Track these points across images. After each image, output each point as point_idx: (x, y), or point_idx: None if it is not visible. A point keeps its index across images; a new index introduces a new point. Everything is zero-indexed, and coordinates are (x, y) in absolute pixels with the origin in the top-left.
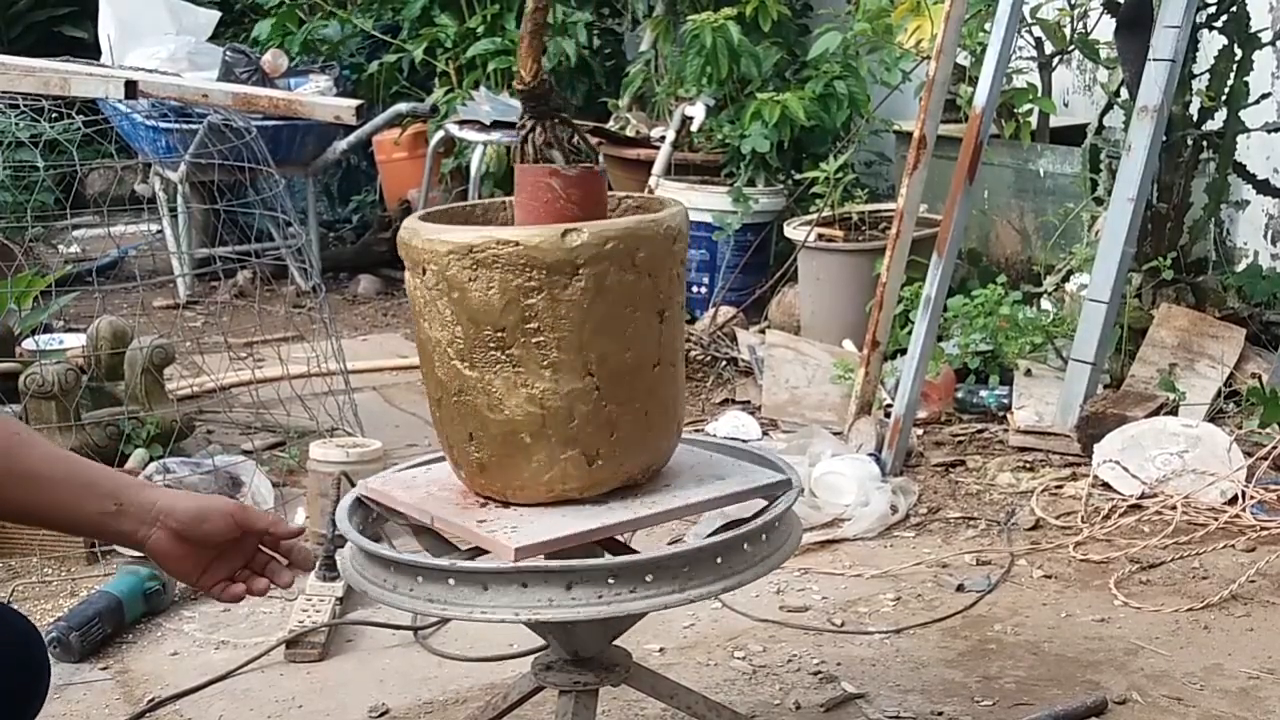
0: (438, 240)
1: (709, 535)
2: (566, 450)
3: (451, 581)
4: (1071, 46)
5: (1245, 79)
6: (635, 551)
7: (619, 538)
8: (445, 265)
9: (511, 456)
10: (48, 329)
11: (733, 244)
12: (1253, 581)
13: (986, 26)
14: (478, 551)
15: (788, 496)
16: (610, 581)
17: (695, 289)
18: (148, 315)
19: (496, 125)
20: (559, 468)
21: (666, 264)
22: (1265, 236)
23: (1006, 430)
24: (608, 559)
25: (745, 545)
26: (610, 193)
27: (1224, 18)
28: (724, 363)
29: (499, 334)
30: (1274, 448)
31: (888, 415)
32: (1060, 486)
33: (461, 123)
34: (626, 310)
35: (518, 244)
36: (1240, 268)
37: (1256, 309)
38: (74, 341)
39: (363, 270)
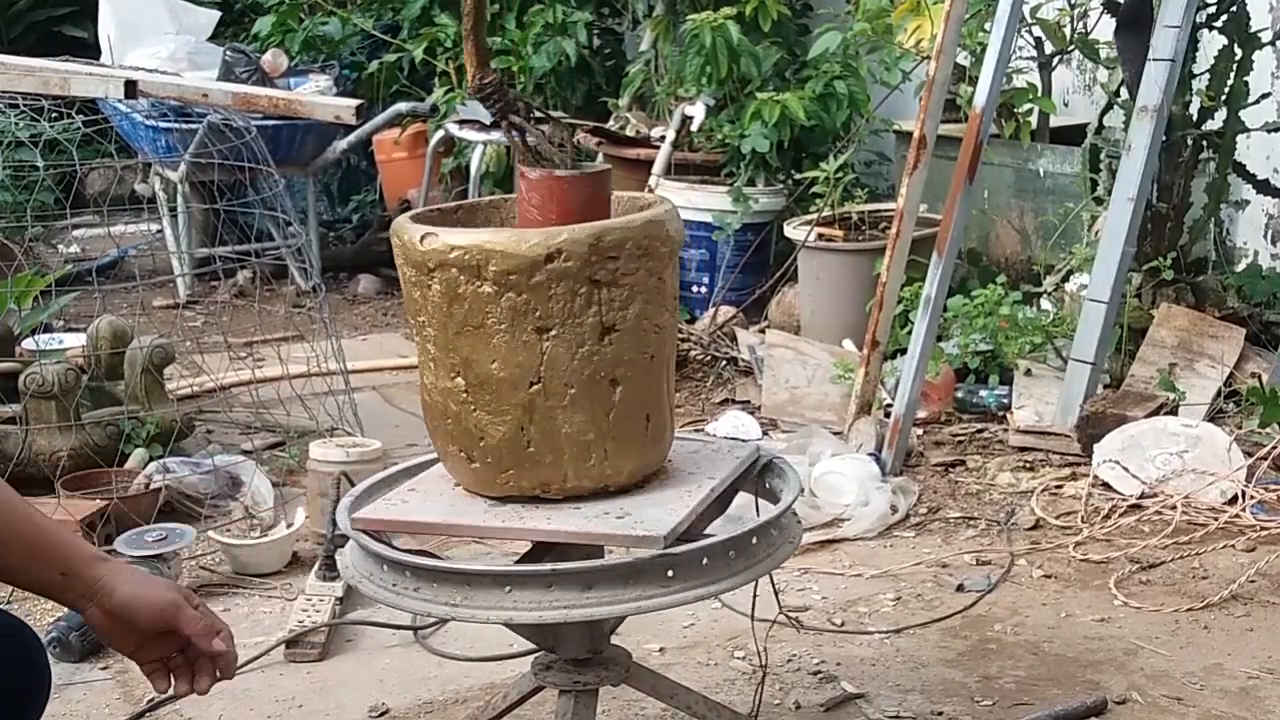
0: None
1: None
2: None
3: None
4: (1071, 46)
5: (1245, 79)
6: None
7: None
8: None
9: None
10: (48, 329)
11: (733, 244)
12: (1253, 581)
13: (986, 26)
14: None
15: (789, 494)
16: (629, 582)
17: (695, 289)
18: (148, 315)
19: (496, 125)
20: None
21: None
22: (1265, 236)
23: (1006, 430)
24: (627, 556)
25: (754, 540)
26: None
27: (1224, 18)
28: (724, 362)
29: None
30: (1274, 448)
31: (888, 415)
32: (1060, 486)
33: (461, 122)
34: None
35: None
36: (1240, 267)
37: (1256, 309)
38: (74, 341)
39: (363, 270)
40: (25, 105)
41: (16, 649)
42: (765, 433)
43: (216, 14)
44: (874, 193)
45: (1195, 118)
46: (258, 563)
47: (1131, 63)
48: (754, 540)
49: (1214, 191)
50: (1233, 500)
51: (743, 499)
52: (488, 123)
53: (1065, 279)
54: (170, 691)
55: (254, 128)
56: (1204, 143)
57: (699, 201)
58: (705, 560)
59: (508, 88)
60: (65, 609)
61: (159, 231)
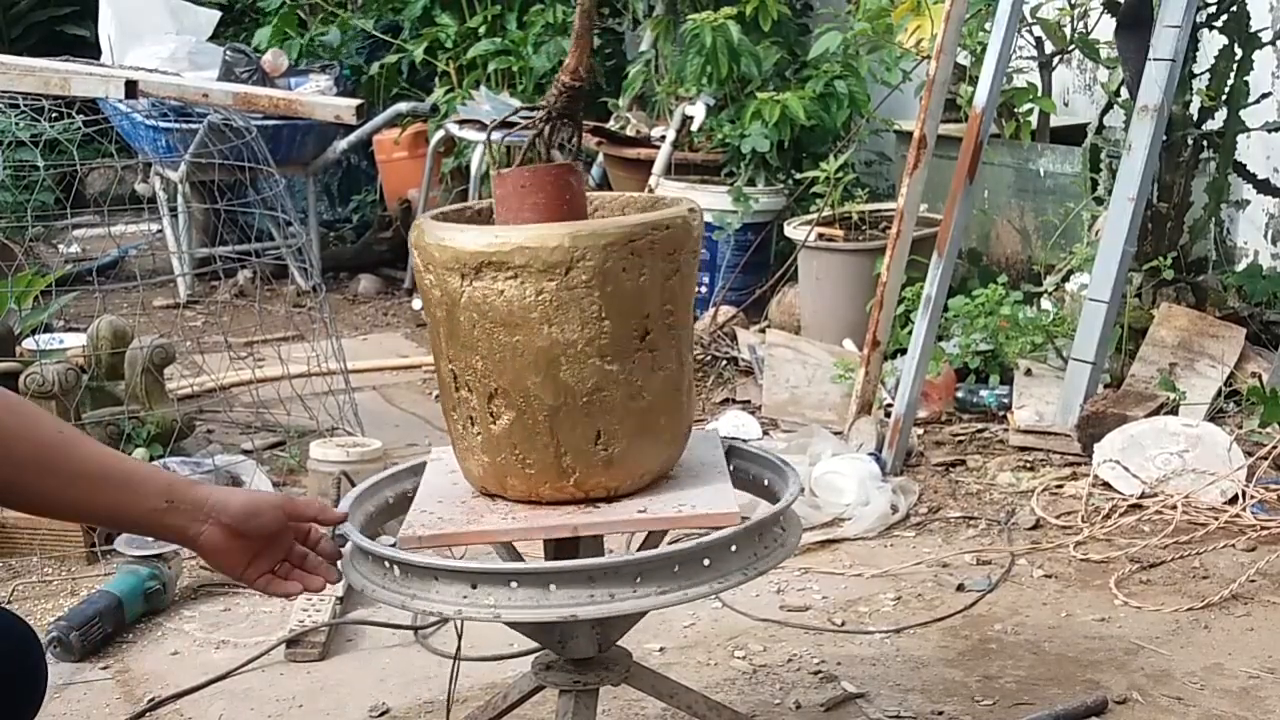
0: (590, 235)
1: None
2: (684, 425)
3: (515, 584)
4: (1071, 46)
5: (1245, 78)
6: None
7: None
8: (603, 259)
9: (643, 444)
10: (48, 328)
11: (733, 244)
12: (1253, 581)
13: (986, 26)
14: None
15: (790, 492)
16: (637, 579)
17: (696, 288)
18: (148, 315)
19: (506, 125)
20: (677, 445)
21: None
22: (1265, 236)
23: (1007, 430)
24: (645, 553)
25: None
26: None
27: (1224, 17)
28: (724, 362)
29: (644, 321)
30: (1274, 447)
31: (888, 415)
32: (1060, 486)
33: (462, 122)
34: (689, 286)
35: (668, 227)
36: (1240, 267)
37: (1257, 308)
38: (74, 341)
39: (363, 270)
40: (26, 105)
41: (12, 646)
42: (765, 432)
43: (216, 14)
44: (874, 193)
45: (1195, 117)
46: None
47: (1132, 62)
48: (758, 537)
49: (1214, 191)
50: (1233, 500)
51: (745, 498)
52: (488, 123)
53: (1065, 279)
54: (294, 593)
55: (254, 128)
56: (1204, 142)
57: (699, 201)
58: (707, 560)
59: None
60: (64, 609)
61: (159, 231)
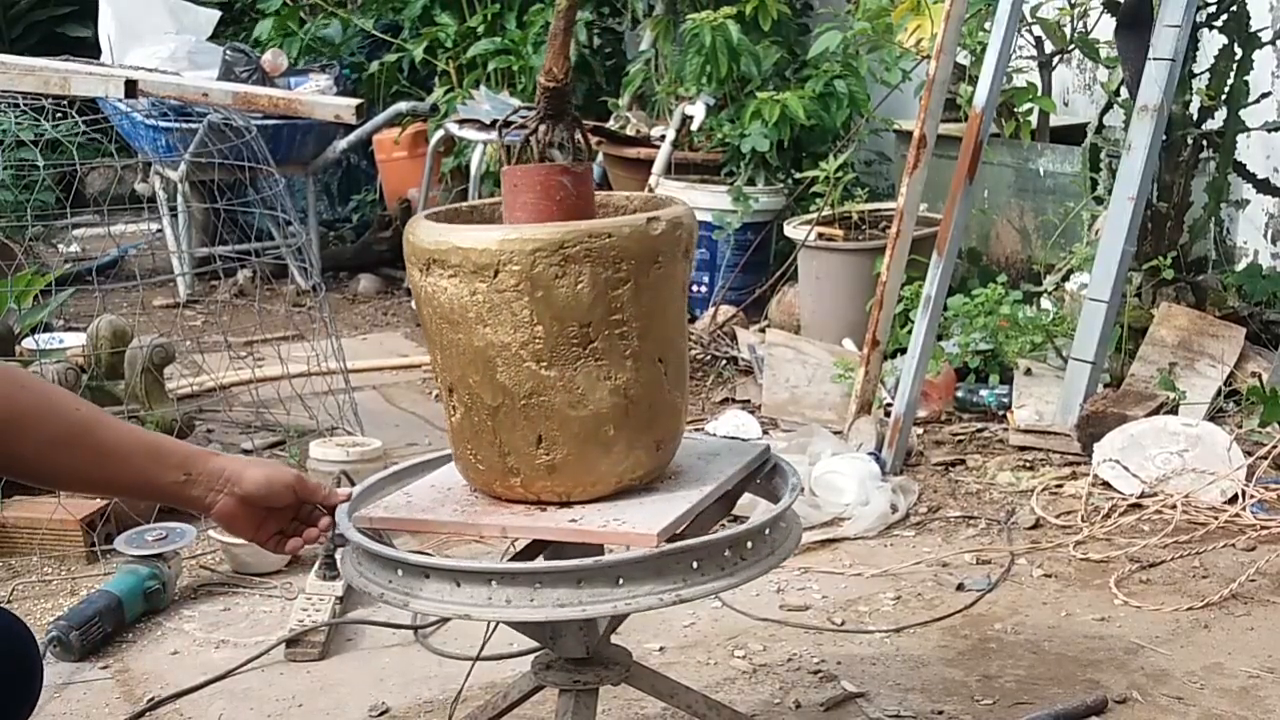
0: (519, 240)
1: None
2: (644, 438)
3: (495, 583)
4: (1071, 46)
5: (1245, 78)
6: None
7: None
8: (530, 264)
9: (589, 452)
10: (48, 328)
11: (733, 243)
12: (1253, 580)
13: (986, 26)
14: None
15: (791, 491)
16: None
17: (695, 288)
18: (148, 314)
19: (505, 125)
20: (634, 457)
21: (692, 253)
22: (1265, 236)
23: (1006, 429)
24: (652, 550)
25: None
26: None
27: (1224, 17)
28: (724, 362)
29: (584, 329)
30: (1274, 447)
31: (888, 414)
32: (1060, 486)
33: (461, 122)
34: (680, 295)
35: (609, 236)
36: (1240, 267)
37: (1256, 308)
38: (74, 340)
39: (363, 269)
40: (26, 105)
41: (9, 646)
42: (765, 432)
43: (216, 14)
44: (874, 192)
45: (1195, 117)
46: (258, 562)
47: (1132, 62)
48: (749, 543)
49: (1214, 191)
50: (1233, 499)
51: (747, 497)
52: (488, 122)
53: (1065, 278)
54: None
55: (254, 127)
56: (1204, 142)
57: (699, 201)
58: (696, 563)
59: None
60: (63, 608)
61: (159, 231)
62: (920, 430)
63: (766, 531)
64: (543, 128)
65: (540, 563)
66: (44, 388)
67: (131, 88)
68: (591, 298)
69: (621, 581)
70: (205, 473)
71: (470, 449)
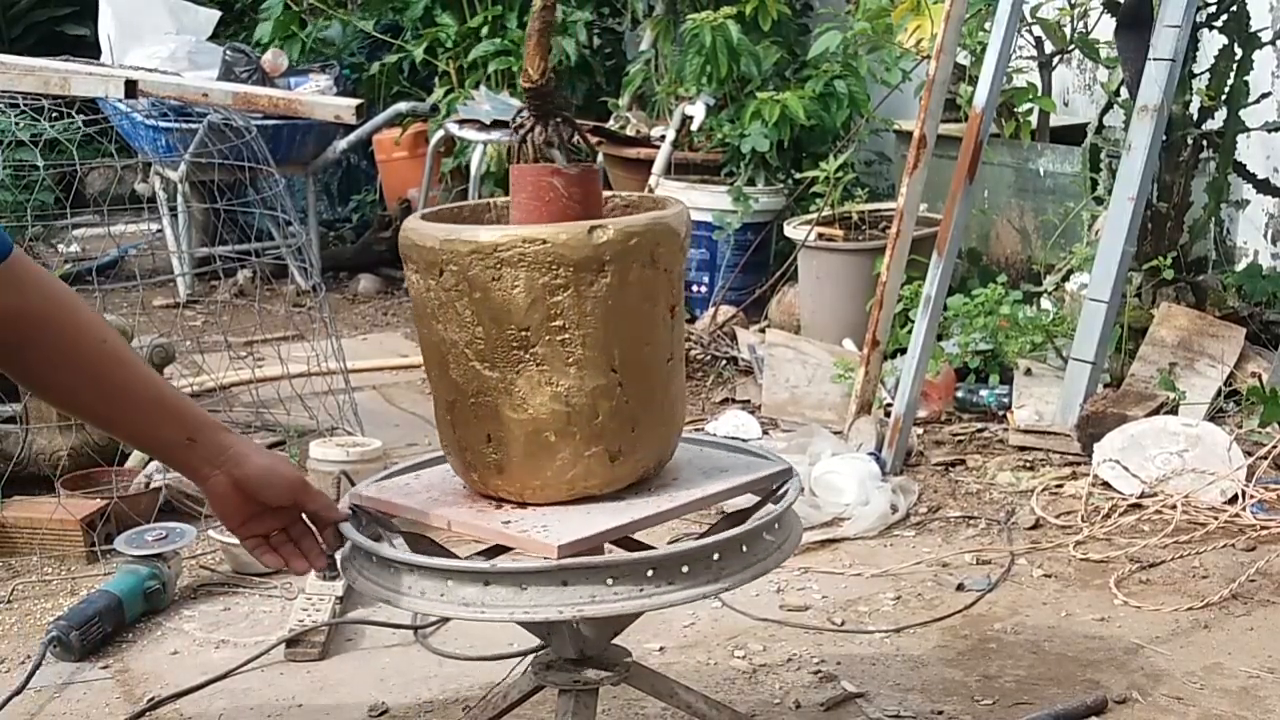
0: (458, 240)
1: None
2: (591, 447)
3: (486, 583)
4: (1071, 46)
5: (1245, 78)
6: (652, 548)
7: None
8: (467, 265)
9: (534, 456)
10: None
11: (733, 243)
12: (1253, 581)
13: (986, 26)
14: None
15: (792, 489)
16: (649, 575)
17: (695, 288)
18: (148, 314)
19: (496, 125)
20: (583, 465)
21: (678, 259)
22: (1265, 236)
23: (1006, 429)
24: (648, 553)
25: (743, 547)
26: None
27: (1224, 17)
28: (724, 362)
29: (523, 333)
30: (1274, 447)
31: (888, 414)
32: (1060, 486)
33: (462, 122)
34: (645, 305)
35: (545, 242)
36: (1240, 267)
37: (1256, 308)
38: None
39: (363, 269)
40: (25, 105)
41: None
42: (765, 432)
43: (216, 14)
44: (874, 192)
45: (1195, 117)
46: (257, 562)
47: (1132, 62)
48: (743, 547)
49: (1214, 191)
50: (1233, 500)
51: (747, 497)
52: (488, 123)
53: (1065, 278)
54: (277, 568)
55: (254, 127)
56: (1204, 142)
57: (699, 201)
58: (685, 567)
59: (557, 95)
60: (63, 608)
61: (159, 231)
62: (920, 430)
63: (765, 534)
64: (537, 128)
65: (522, 563)
66: (75, 306)
67: (131, 88)
68: (528, 302)
69: (612, 582)
70: (210, 443)
71: (444, 441)
